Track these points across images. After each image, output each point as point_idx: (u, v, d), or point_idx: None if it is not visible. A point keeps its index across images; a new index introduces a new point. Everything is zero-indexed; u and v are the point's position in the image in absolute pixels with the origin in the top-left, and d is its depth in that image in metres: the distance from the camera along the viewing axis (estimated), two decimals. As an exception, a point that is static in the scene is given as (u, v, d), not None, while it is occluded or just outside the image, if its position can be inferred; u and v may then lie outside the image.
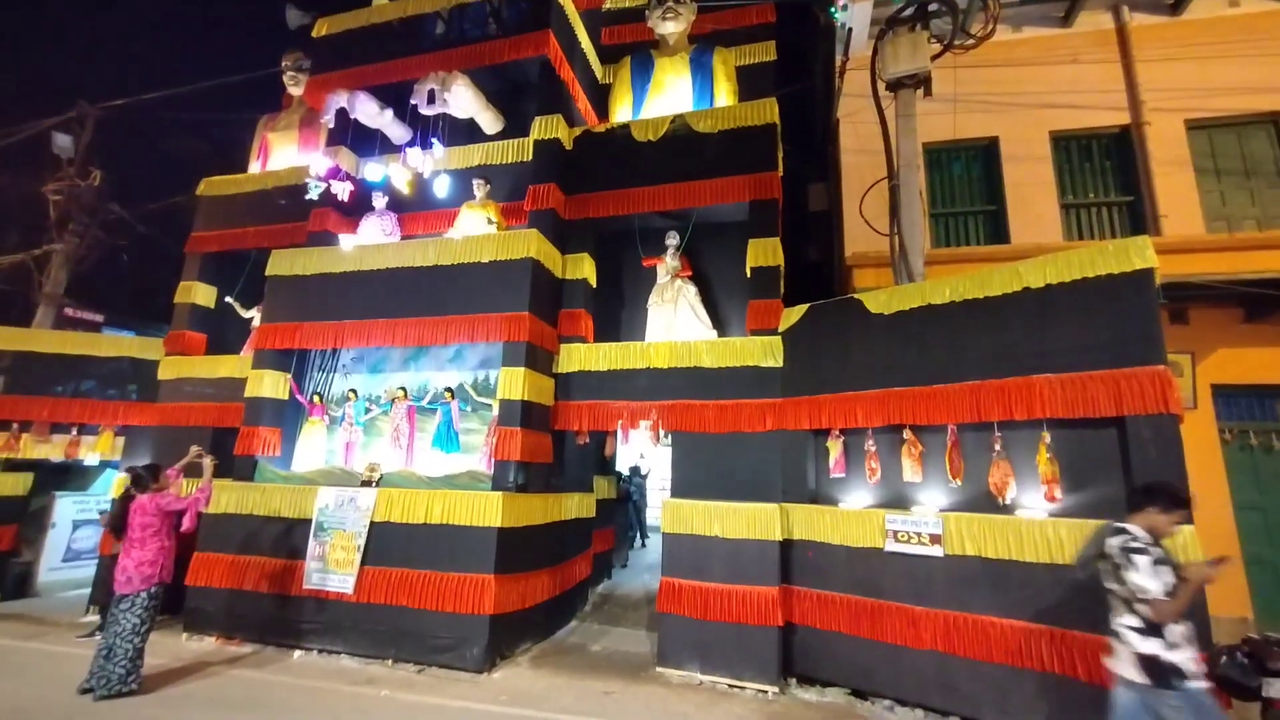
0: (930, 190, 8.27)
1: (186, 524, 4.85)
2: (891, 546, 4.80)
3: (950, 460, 4.77)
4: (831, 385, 5.53)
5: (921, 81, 6.30)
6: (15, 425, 7.72)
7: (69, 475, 8.83)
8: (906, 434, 5.04)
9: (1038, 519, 4.24)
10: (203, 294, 8.22)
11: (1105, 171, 7.92)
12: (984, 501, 4.62)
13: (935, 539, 4.60)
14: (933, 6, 6.34)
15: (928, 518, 4.69)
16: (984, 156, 8.29)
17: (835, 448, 5.49)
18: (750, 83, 7.60)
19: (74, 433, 7.86)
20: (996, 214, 8.05)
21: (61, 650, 5.56)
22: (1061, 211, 7.82)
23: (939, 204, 8.36)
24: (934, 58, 6.27)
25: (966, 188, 8.37)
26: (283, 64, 9.00)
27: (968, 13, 7.42)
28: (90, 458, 8.12)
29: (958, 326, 4.90)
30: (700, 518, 5.56)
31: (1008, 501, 4.50)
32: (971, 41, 6.37)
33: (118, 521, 4.70)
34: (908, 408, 5.00)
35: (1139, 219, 7.55)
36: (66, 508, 8.49)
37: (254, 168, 8.63)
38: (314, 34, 8.14)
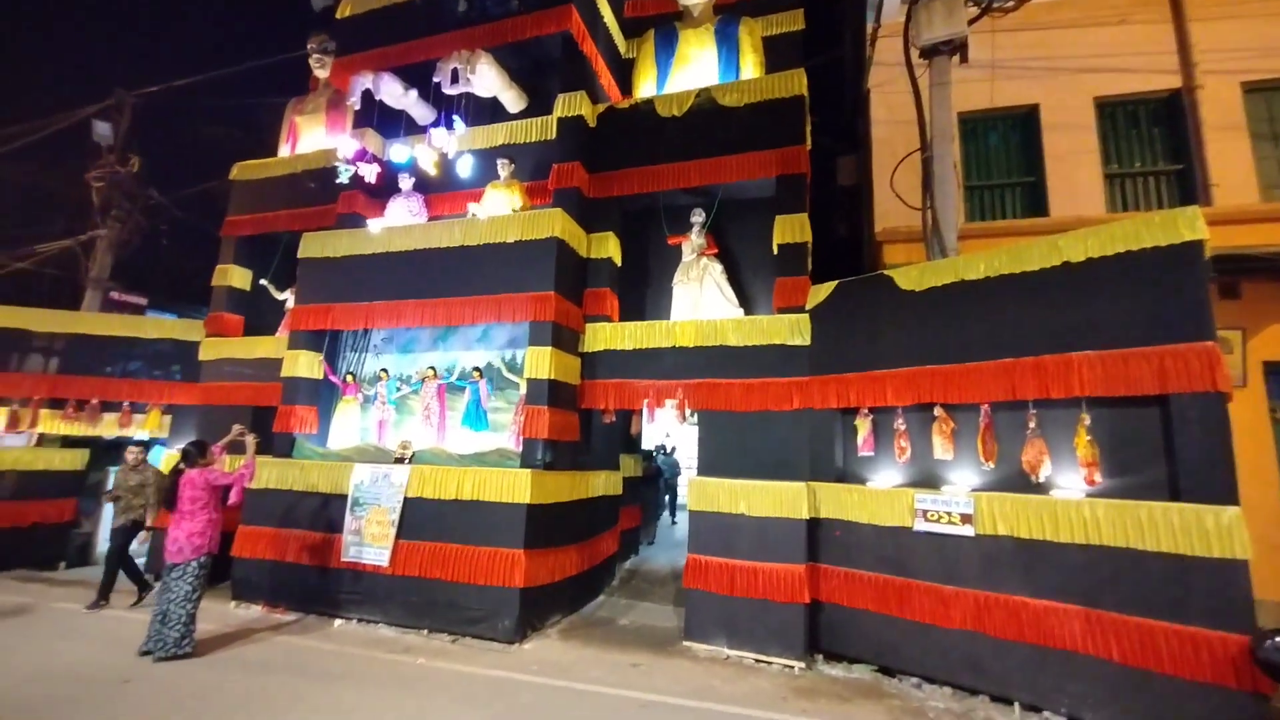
0: (965, 162, 8.00)
1: (233, 498, 5.09)
2: (921, 526, 4.76)
3: (983, 443, 4.68)
4: (860, 363, 5.45)
5: (958, 47, 6.05)
6: (70, 403, 8.11)
7: (120, 451, 9.25)
8: (938, 411, 4.96)
9: (1074, 499, 4.16)
10: (238, 277, 8.44)
11: (1153, 139, 7.55)
12: (1017, 481, 4.54)
13: (966, 518, 4.55)
14: (971, -33, 6.07)
15: (959, 497, 4.63)
16: (1022, 125, 7.97)
17: (864, 426, 5.44)
18: (777, 53, 7.39)
19: (125, 406, 8.23)
20: (1035, 185, 7.76)
21: (121, 615, 5.89)
22: (1105, 182, 7.49)
23: (974, 176, 8.09)
24: (971, 22, 6.01)
25: (1003, 158, 8.08)
26: (308, 47, 9.06)
27: (1009, -28, 7.09)
28: (140, 435, 8.49)
29: (992, 303, 4.77)
30: (726, 496, 5.59)
31: (1041, 480, 4.41)
32: (1011, 4, 6.10)
33: (169, 495, 4.92)
34: (939, 386, 4.91)
35: (1189, 188, 7.21)
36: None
37: (283, 151, 8.76)
38: (337, 15, 8.16)
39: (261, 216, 8.30)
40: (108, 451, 8.89)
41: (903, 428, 5.19)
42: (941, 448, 4.92)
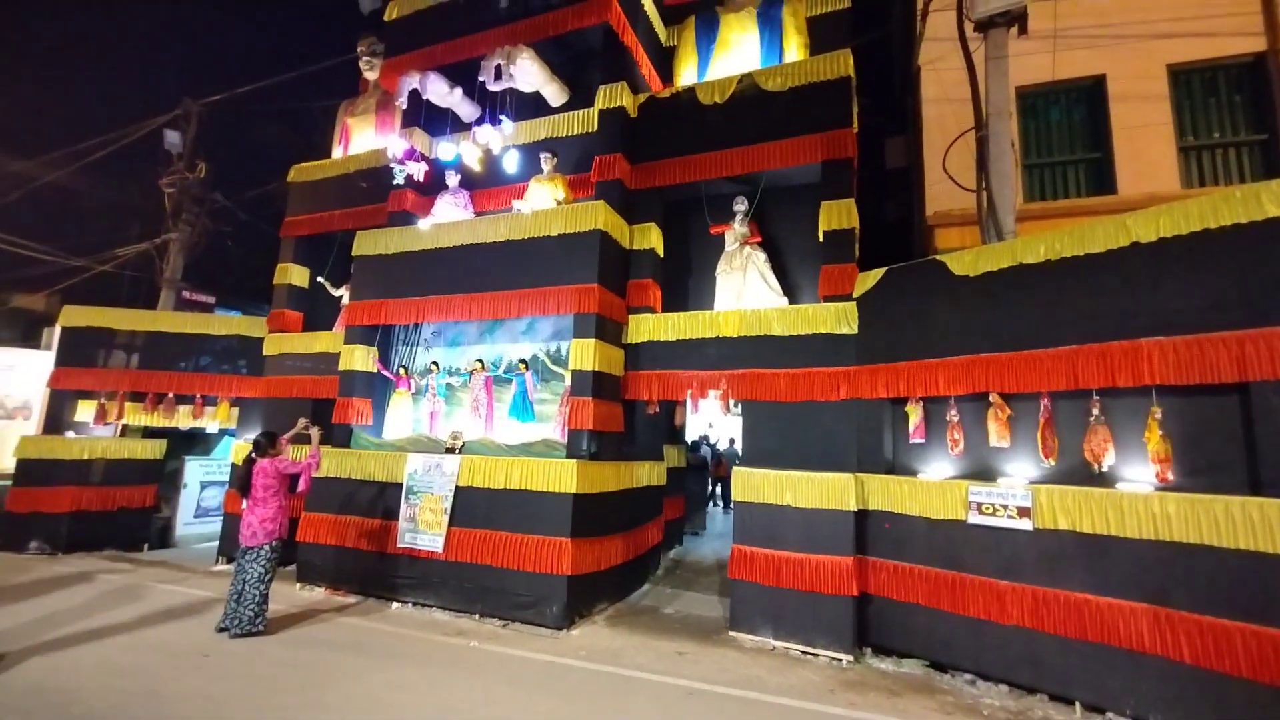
0: (1024, 139, 7.63)
1: (302, 485, 5.39)
2: (975, 519, 4.62)
3: (1043, 438, 4.49)
4: (910, 352, 5.30)
5: (1016, 19, 5.76)
6: (149, 396, 8.69)
7: (194, 441, 9.88)
8: (993, 397, 4.78)
9: (1142, 493, 3.95)
10: (297, 275, 8.83)
11: (1234, 107, 7.04)
12: (1078, 473, 4.34)
13: (1024, 512, 4.38)
14: (1030, -67, 5.75)
15: (1015, 489, 4.47)
16: (1087, 98, 7.54)
17: (915, 413, 5.29)
18: (823, 33, 7.19)
19: (198, 400, 8.77)
20: (1101, 162, 7.34)
21: (199, 594, 6.31)
22: (1180, 155, 7.04)
23: (1033, 154, 7.72)
24: (1030, -9, 5.71)
25: (1066, 134, 7.67)
26: (358, 49, 9.36)
27: (1071, -64, 6.70)
28: (211, 426, 9.04)
29: (1053, 287, 4.55)
30: (772, 487, 5.55)
31: (1104, 470, 4.20)
32: (1075, -32, 5.74)
33: (243, 483, 5.23)
34: (995, 375, 4.73)
35: (1274, 160, 6.68)
36: (194, 470, 9.51)
37: (336, 152, 9.09)
38: (385, 18, 8.38)
39: (317, 216, 8.65)
40: (184, 441, 9.51)
41: (956, 419, 5.03)
42: (997, 435, 4.75)
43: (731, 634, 5.51)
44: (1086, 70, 7.36)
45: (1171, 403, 4.02)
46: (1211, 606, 3.58)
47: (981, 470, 4.91)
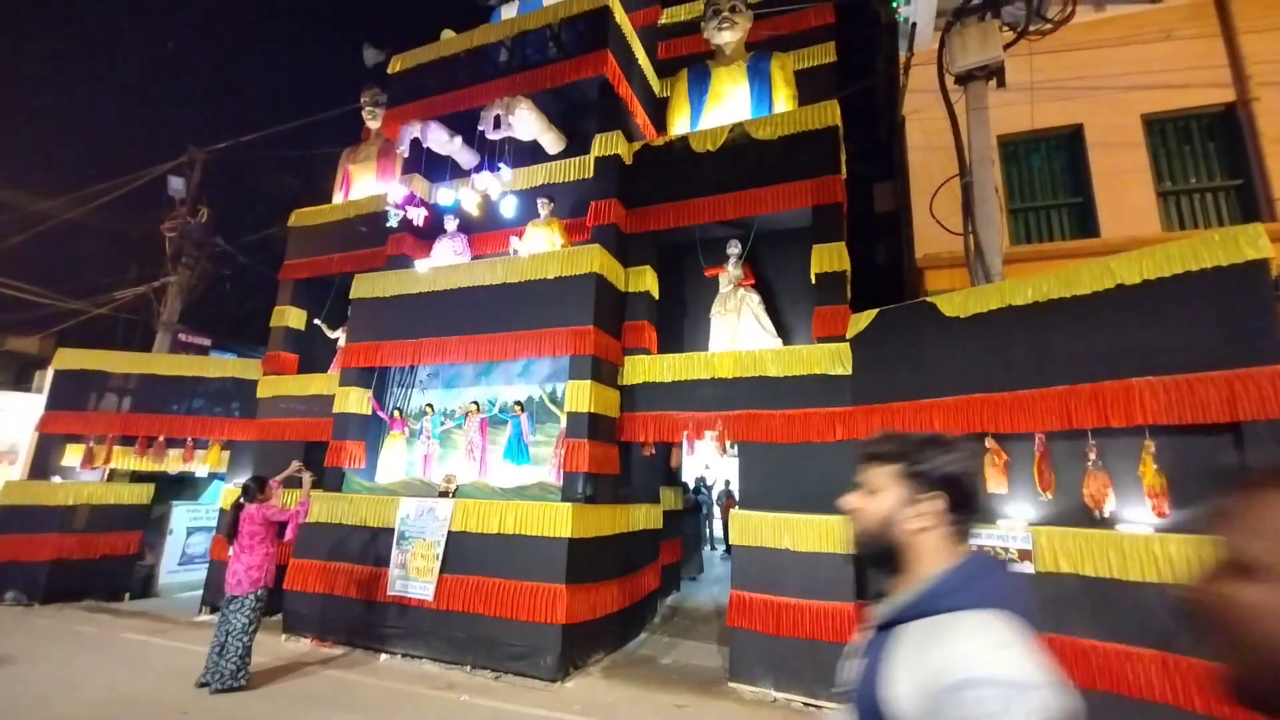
0: (1007, 185, 7.86)
1: (289, 534, 5.28)
2: (976, 562, 4.54)
3: (1039, 472, 4.48)
4: (905, 393, 5.32)
5: (993, 72, 6.02)
6: (140, 440, 8.58)
7: (183, 486, 9.71)
8: (989, 443, 4.78)
9: (1142, 534, 3.92)
10: (294, 317, 8.87)
11: (1208, 154, 7.30)
12: (1079, 515, 4.32)
13: (1025, 555, 4.33)
14: (1004, -6, 6.06)
15: (1015, 532, 4.43)
16: (1066, 146, 7.81)
17: (911, 457, 5.26)
18: (810, 85, 7.49)
19: (189, 443, 8.65)
20: (1084, 206, 7.55)
21: (180, 646, 6.10)
22: (1159, 200, 7.25)
23: (1017, 199, 7.93)
24: (1007, 46, 5.99)
25: (1048, 180, 7.91)
26: (361, 99, 9.65)
27: (1043, -4, 7.05)
28: (201, 470, 8.90)
29: (1042, 328, 4.62)
30: (770, 530, 5.47)
31: (1106, 515, 4.18)
32: (1049, 26, 6.04)
33: (230, 529, 5.13)
34: (989, 415, 4.75)
35: (1250, 204, 6.90)
36: (181, 516, 9.32)
37: (337, 198, 9.26)
38: (389, 70, 8.66)
39: (316, 260, 8.75)
40: (172, 486, 9.34)
41: (952, 459, 5.01)
42: (995, 482, 4.73)
43: (731, 685, 5.33)
44: (1065, 120, 7.65)
45: (1166, 441, 4.03)
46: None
47: (981, 512, 4.87)
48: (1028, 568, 4.30)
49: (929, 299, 5.40)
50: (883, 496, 1.11)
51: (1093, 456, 4.26)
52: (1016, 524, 4.53)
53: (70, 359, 8.88)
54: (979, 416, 4.80)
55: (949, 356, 5.12)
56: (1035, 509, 4.57)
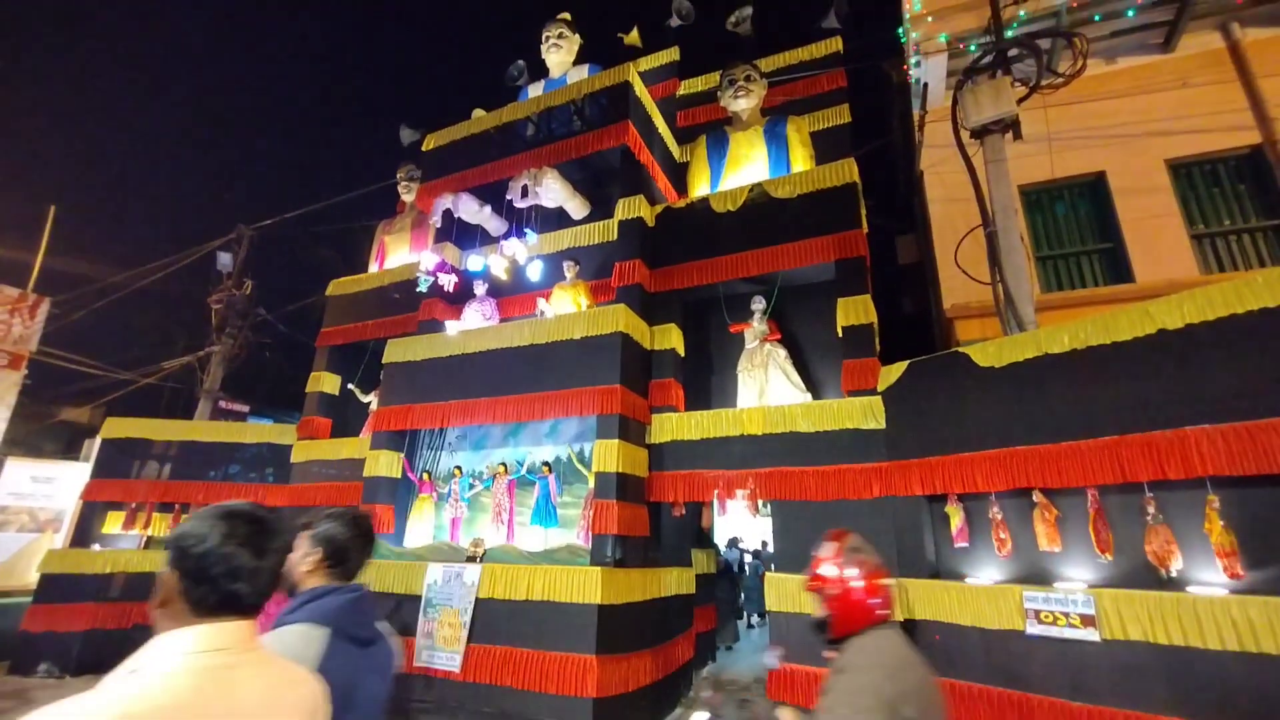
0: (1032, 233, 7.82)
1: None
2: (1034, 629, 4.24)
3: (1095, 531, 4.22)
4: (944, 446, 5.14)
5: (1009, 125, 6.09)
6: (176, 507, 8.72)
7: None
8: (1038, 497, 4.54)
9: (1219, 596, 3.61)
10: (329, 382, 9.10)
11: (1239, 196, 7.18)
12: (1144, 575, 4.02)
13: (1088, 620, 4.02)
14: (1013, 52, 6.22)
15: (1075, 595, 4.13)
16: (1090, 193, 7.78)
17: (956, 515, 5.03)
18: (827, 145, 7.68)
19: (222, 513, 8.73)
20: (1114, 251, 7.44)
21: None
22: (1193, 243, 7.10)
23: (1044, 246, 7.86)
24: (1020, 100, 6.08)
25: (1074, 227, 7.84)
26: (397, 176, 10.24)
27: (1052, 52, 7.23)
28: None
29: (1083, 377, 4.46)
30: (809, 594, 5.20)
31: (1173, 574, 3.89)
32: (1060, 80, 6.14)
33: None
34: (1035, 468, 4.53)
35: (1292, 244, 6.71)
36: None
37: (373, 268, 9.66)
38: (423, 148, 9.19)
39: (352, 327, 9.05)
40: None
41: (999, 516, 4.77)
42: (1047, 539, 4.46)
43: (774, 767, 4.96)
44: (1086, 168, 7.66)
45: (1232, 494, 3.77)
46: (1323, 732, 3.15)
47: (1034, 573, 4.58)
48: (1092, 635, 3.98)
49: (961, 349, 5.28)
50: (295, 551, 1.66)
51: (1151, 510, 4.00)
52: (1075, 586, 4.23)
53: (117, 428, 9.19)
54: (1023, 470, 4.58)
55: (986, 408, 4.96)
56: (1094, 570, 4.28)
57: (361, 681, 1.47)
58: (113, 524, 8.76)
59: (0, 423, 10.46)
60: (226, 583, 1.13)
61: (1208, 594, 3.68)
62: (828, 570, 1.87)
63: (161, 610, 1.12)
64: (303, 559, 1.63)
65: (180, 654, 1.05)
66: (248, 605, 1.16)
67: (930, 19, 8.00)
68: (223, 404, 12.80)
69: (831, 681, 1.67)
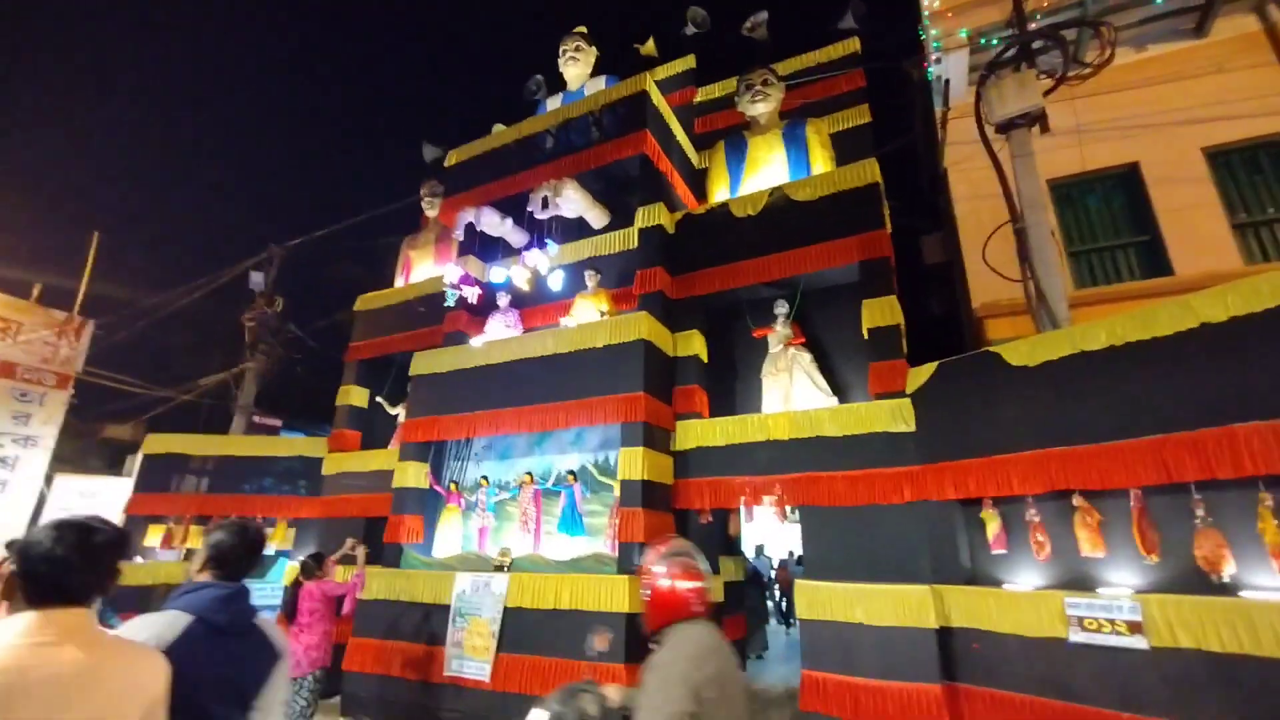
0: (1064, 227, 7.60)
1: (346, 606, 5.28)
2: (1077, 636, 4.08)
3: (1139, 532, 4.06)
4: (976, 448, 5.00)
5: (1035, 119, 5.96)
6: (212, 519, 8.94)
7: (252, 564, 9.96)
8: (1077, 500, 4.39)
9: (1275, 601, 3.44)
10: (357, 396, 9.27)
11: (1283, 182, 6.88)
12: (1193, 580, 3.84)
13: (1134, 627, 3.86)
14: (1037, 44, 6.09)
15: (1121, 601, 3.97)
16: (1123, 184, 7.55)
17: (992, 520, 4.89)
18: (847, 146, 7.60)
19: (258, 521, 8.92)
20: (1151, 244, 7.19)
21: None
22: (1234, 233, 6.83)
23: (1076, 241, 7.64)
24: (1046, 93, 5.94)
25: (1108, 220, 7.61)
26: (421, 192, 10.43)
27: (1079, 43, 7.06)
28: (268, 548, 9.15)
29: (1122, 374, 4.30)
30: (839, 601, 5.11)
31: (1226, 579, 3.71)
32: (1088, 71, 6.00)
33: (289, 608, 5.18)
34: (1074, 470, 4.38)
35: (1342, 230, 6.41)
36: (249, 594, 9.50)
37: (398, 282, 9.84)
38: (446, 164, 9.35)
39: (379, 340, 9.22)
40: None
41: (1037, 519, 4.62)
42: (1089, 543, 4.30)
43: (809, 779, 4.85)
44: (1118, 159, 7.43)
45: (1286, 495, 3.59)
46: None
47: (1076, 578, 4.41)
48: (1139, 642, 3.82)
49: (992, 349, 5.15)
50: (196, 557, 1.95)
51: (1200, 513, 3.84)
52: (1121, 591, 4.07)
53: (158, 444, 9.49)
54: (1061, 472, 4.44)
55: (1020, 408, 4.82)
56: (1141, 574, 4.11)
57: (220, 664, 1.72)
58: (153, 536, 9.02)
59: (50, 440, 10.86)
60: (54, 578, 1.39)
61: (1262, 599, 3.51)
62: (647, 571, 2.12)
63: (7, 602, 1.38)
64: (196, 560, 1.94)
65: (12, 634, 1.30)
66: (75, 597, 1.41)
67: (950, 14, 7.88)
68: (257, 419, 13.13)
69: (650, 666, 1.89)
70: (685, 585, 2.06)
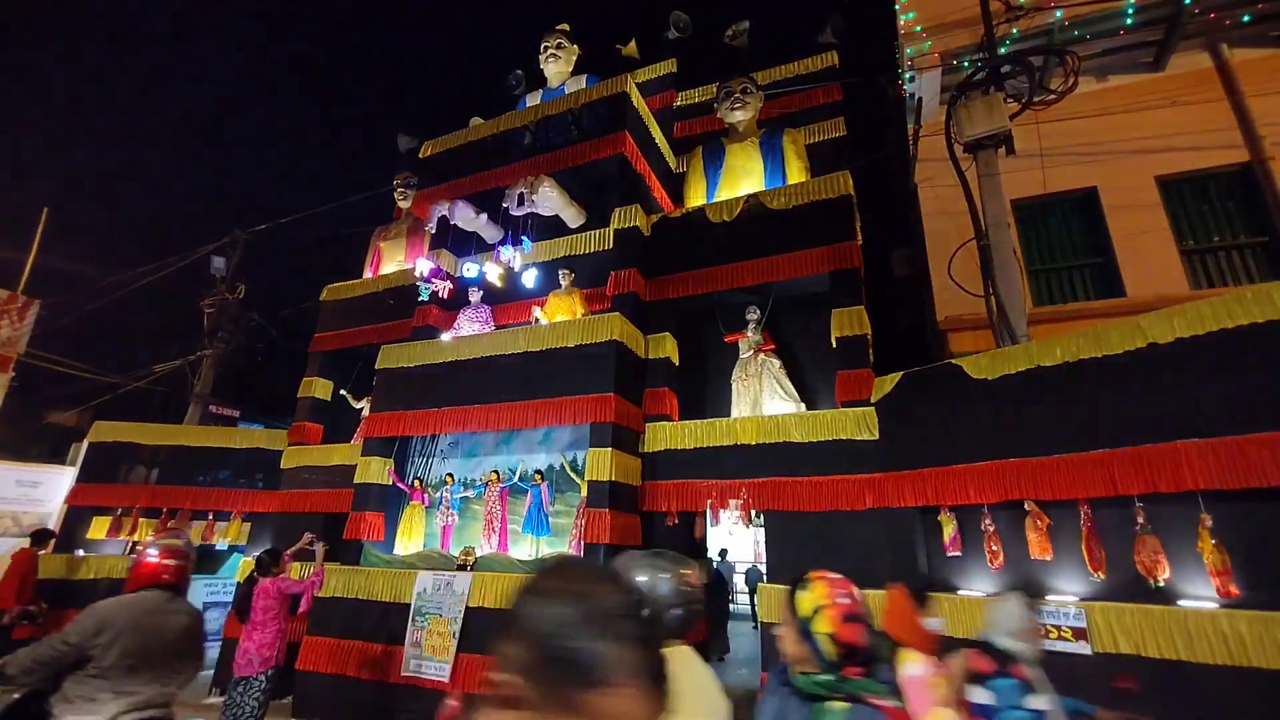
0: (1025, 246, 7.87)
1: (304, 606, 5.13)
2: (1026, 641, 4.22)
3: (1088, 550, 4.23)
4: (936, 458, 5.15)
5: (1002, 141, 6.17)
6: (164, 512, 8.61)
7: (201, 560, 9.62)
8: (1029, 505, 4.55)
9: (1207, 610, 3.63)
10: (321, 388, 9.04)
11: (1229, 213, 7.26)
12: (1134, 588, 4.03)
13: (1079, 633, 4.02)
14: (1006, 69, 6.30)
15: (1066, 608, 4.13)
16: (1081, 208, 7.86)
17: (948, 524, 5.03)
18: (822, 158, 7.74)
19: (210, 518, 8.63)
20: (1105, 266, 7.50)
21: (186, 732, 5.86)
22: (1183, 258, 7.16)
23: (1036, 260, 7.92)
24: (1013, 116, 6.16)
25: (1066, 241, 7.91)
26: (394, 182, 10.23)
27: (1045, 70, 7.32)
28: (221, 543, 8.85)
29: (1075, 390, 4.48)
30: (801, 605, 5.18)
31: (1161, 584, 3.89)
32: (1052, 97, 6.23)
33: (242, 605, 5.02)
34: (1027, 481, 4.54)
35: (1278, 260, 6.78)
36: (198, 590, 9.17)
37: (367, 273, 9.63)
38: (420, 155, 9.20)
39: (345, 332, 9.01)
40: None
41: (992, 528, 4.77)
42: (1038, 547, 4.47)
43: (765, 781, 4.90)
44: (1078, 183, 7.73)
45: (1224, 509, 3.79)
46: (1314, 748, 3.15)
47: (1026, 586, 4.54)
48: (1083, 648, 3.98)
49: (954, 361, 5.31)
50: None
51: (1140, 519, 4.01)
52: (1067, 599, 4.24)
53: (105, 431, 9.08)
54: (1015, 482, 4.60)
55: (979, 420, 4.97)
56: (1086, 583, 4.28)
57: None
58: (98, 529, 8.63)
59: (-14, 425, 10.32)
60: None
61: (1198, 608, 3.69)
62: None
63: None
64: None
65: None
66: None
67: (925, 35, 8.11)
68: (213, 409, 12.69)
69: None
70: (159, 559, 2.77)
